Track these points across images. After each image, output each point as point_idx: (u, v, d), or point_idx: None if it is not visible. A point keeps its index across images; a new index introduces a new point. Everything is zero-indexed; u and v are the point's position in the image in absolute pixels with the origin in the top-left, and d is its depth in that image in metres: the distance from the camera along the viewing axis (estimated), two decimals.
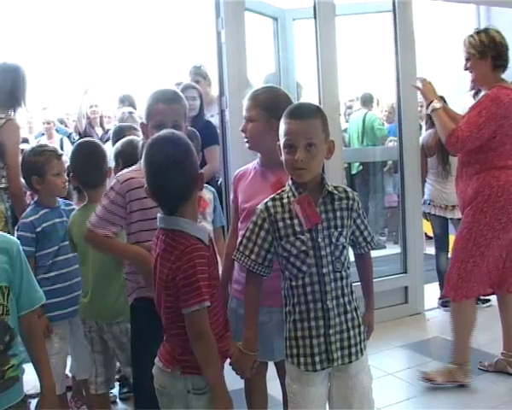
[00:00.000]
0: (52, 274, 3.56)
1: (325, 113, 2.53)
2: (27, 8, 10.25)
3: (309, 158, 2.39)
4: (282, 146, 2.46)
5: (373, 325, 2.74)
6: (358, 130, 9.06)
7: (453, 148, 4.12)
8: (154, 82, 7.80)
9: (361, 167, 8.94)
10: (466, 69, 4.12)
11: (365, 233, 2.61)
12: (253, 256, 2.47)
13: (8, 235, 2.39)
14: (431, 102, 4.21)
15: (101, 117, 7.24)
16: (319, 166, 2.47)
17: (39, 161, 3.62)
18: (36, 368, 2.38)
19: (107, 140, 5.48)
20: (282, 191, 2.50)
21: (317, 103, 4.71)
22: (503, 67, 4.02)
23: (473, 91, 4.91)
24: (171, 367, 2.32)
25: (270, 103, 2.89)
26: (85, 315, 3.46)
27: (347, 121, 9.69)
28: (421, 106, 6.71)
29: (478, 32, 4.05)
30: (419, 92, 4.38)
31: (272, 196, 2.50)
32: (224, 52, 4.86)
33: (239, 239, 2.55)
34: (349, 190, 2.56)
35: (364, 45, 8.46)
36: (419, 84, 4.33)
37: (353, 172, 9.01)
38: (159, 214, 2.36)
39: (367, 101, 9.27)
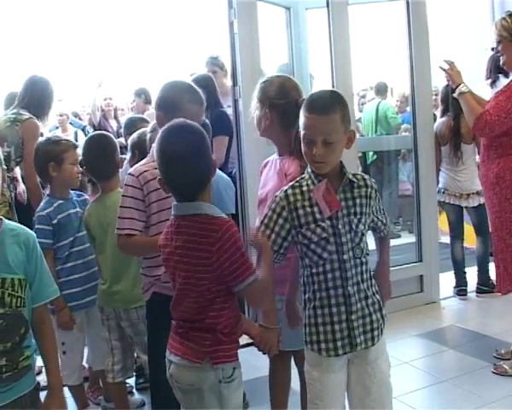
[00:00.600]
0: (68, 265, 3.58)
1: (344, 102, 2.49)
2: (43, 4, 10.30)
3: (327, 153, 2.39)
4: (301, 138, 2.46)
5: (390, 290, 2.78)
6: (372, 119, 9.03)
7: (481, 132, 4.08)
8: (167, 73, 7.81)
9: (375, 157, 8.91)
10: (497, 52, 4.08)
11: (382, 218, 2.64)
12: (269, 243, 2.48)
13: (26, 228, 2.40)
14: (458, 85, 4.18)
15: (115, 110, 7.26)
16: (338, 158, 2.46)
17: (57, 150, 3.65)
18: (44, 363, 2.38)
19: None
20: (302, 179, 2.50)
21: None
22: None
23: (490, 80, 4.89)
24: (200, 361, 2.29)
25: (262, 93, 2.96)
26: (103, 302, 3.52)
27: (360, 111, 9.67)
28: (436, 94, 6.71)
29: (510, 15, 3.97)
30: (445, 75, 4.33)
31: (291, 183, 2.51)
32: (236, 42, 4.86)
33: (256, 225, 2.56)
34: (367, 177, 2.57)
35: (378, 34, 8.43)
36: (446, 67, 4.27)
37: (368, 161, 8.98)
38: (174, 203, 2.36)
39: (381, 90, 9.23)
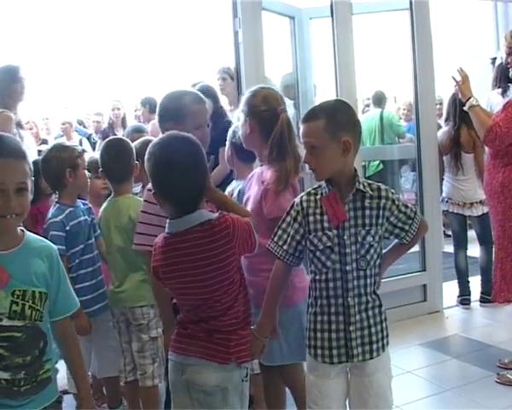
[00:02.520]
0: (79, 273, 3.58)
1: (340, 110, 2.50)
2: (50, 11, 10.34)
3: (312, 160, 2.44)
4: None
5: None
6: (375, 128, 8.95)
7: (491, 144, 4.12)
8: (172, 82, 7.84)
9: (381, 167, 8.82)
10: (507, 64, 4.15)
11: (405, 227, 2.55)
12: (285, 247, 2.52)
13: (47, 240, 2.40)
14: (468, 99, 4.23)
15: (123, 118, 7.28)
16: (329, 166, 2.45)
17: (72, 155, 3.65)
18: (72, 373, 2.40)
19: None
20: (319, 186, 2.53)
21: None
22: None
23: (500, 89, 4.93)
24: (228, 361, 2.33)
25: (244, 104, 3.01)
26: (112, 303, 3.60)
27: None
28: (441, 103, 6.72)
29: None
30: (455, 86, 4.39)
31: (309, 190, 2.55)
32: (241, 52, 4.88)
33: (275, 230, 2.57)
34: (383, 188, 2.53)
35: (382, 43, 8.45)
36: (459, 78, 4.32)
37: (370, 173, 8.91)
38: (170, 221, 2.36)
39: (378, 100, 9.17)
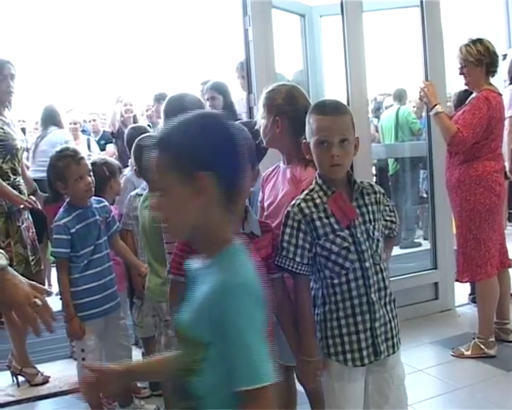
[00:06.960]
0: (88, 273, 3.58)
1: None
2: (58, 12, 10.38)
3: (344, 154, 2.41)
4: (314, 143, 2.45)
5: None
6: (391, 125, 8.94)
7: (455, 148, 4.46)
8: (182, 80, 7.86)
9: (398, 166, 8.77)
10: (461, 74, 4.51)
11: (393, 219, 2.64)
12: (297, 258, 2.45)
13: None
14: (435, 105, 4.52)
15: (134, 116, 7.31)
16: (351, 162, 2.50)
17: (60, 167, 3.63)
18: None
19: None
20: (312, 191, 2.49)
21: (344, 100, 4.83)
22: (494, 72, 4.51)
23: None
24: None
25: (270, 101, 2.93)
26: (148, 296, 3.70)
27: (376, 117, 9.62)
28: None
29: (474, 42, 4.44)
30: (420, 93, 4.70)
31: (302, 196, 2.49)
32: (251, 50, 4.88)
33: (278, 245, 2.50)
34: (373, 183, 2.60)
35: (392, 41, 8.43)
36: (423, 87, 4.66)
37: (391, 171, 8.88)
38: None
39: (398, 96, 9.15)
